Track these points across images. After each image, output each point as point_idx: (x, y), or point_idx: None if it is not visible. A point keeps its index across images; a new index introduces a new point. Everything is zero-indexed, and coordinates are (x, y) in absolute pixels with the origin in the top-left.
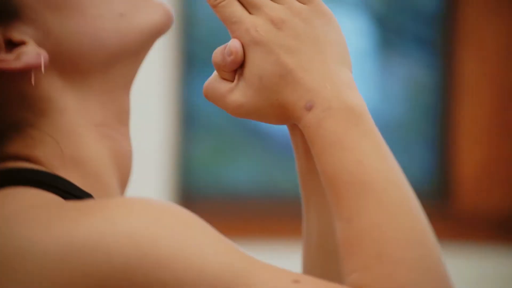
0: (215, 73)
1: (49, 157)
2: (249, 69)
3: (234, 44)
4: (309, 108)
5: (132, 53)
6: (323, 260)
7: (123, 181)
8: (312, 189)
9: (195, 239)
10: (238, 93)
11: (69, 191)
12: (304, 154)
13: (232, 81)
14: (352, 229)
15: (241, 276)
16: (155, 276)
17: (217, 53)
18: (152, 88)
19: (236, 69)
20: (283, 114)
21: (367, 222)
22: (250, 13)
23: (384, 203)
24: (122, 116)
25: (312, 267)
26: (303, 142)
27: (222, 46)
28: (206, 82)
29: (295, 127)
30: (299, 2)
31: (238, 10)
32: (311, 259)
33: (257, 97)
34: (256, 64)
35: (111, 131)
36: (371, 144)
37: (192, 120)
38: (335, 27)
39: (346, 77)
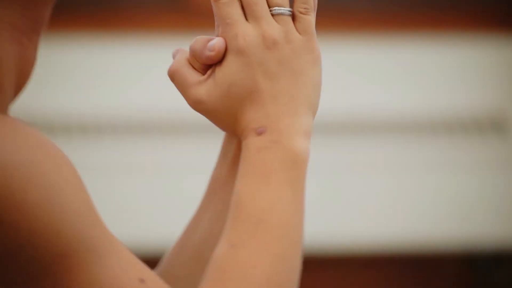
0: (185, 56)
1: None
2: (222, 72)
3: (219, 43)
4: (259, 133)
5: None
6: (194, 262)
7: (19, 88)
8: (219, 196)
9: (63, 193)
10: (203, 89)
11: None
12: (229, 164)
13: (202, 73)
14: (230, 255)
15: (92, 252)
16: (10, 217)
17: (198, 41)
18: None
19: (210, 66)
20: (234, 125)
21: (245, 257)
22: (247, 19)
23: (270, 252)
24: (38, 26)
25: (181, 263)
26: (235, 154)
27: (205, 37)
28: (175, 63)
29: (234, 136)
30: (297, 30)
31: (236, 13)
32: (184, 255)
33: (220, 101)
34: (231, 70)
35: (24, 37)
36: (292, 195)
37: None
38: (318, 68)
39: (306, 123)
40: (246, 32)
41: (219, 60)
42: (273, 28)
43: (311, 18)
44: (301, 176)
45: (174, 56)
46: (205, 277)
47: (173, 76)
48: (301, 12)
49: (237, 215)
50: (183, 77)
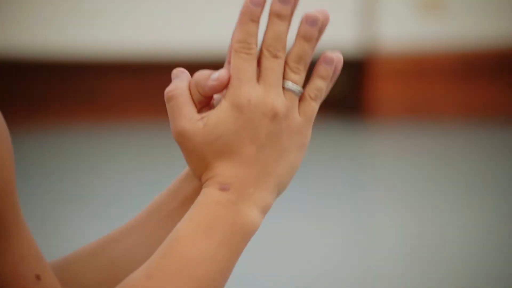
0: (186, 84)
1: None
2: (215, 121)
3: (223, 74)
4: (222, 189)
5: None
6: (104, 277)
7: None
8: (156, 225)
9: None
10: (192, 128)
11: None
12: (180, 201)
13: (198, 108)
14: (143, 285)
15: (4, 230)
16: None
17: (202, 72)
18: None
19: (207, 103)
20: (202, 170)
21: None
22: (258, 80)
23: None
24: None
25: (90, 272)
26: (190, 195)
27: (209, 70)
28: (175, 90)
29: (196, 178)
30: (299, 111)
31: (251, 71)
32: (94, 266)
33: (201, 146)
34: (224, 121)
35: None
36: (226, 258)
37: None
38: (302, 153)
39: (268, 200)
40: (252, 95)
41: (221, 91)
42: (279, 101)
43: (316, 105)
44: (242, 245)
45: (174, 77)
46: None
47: (170, 100)
48: (310, 97)
49: (167, 252)
50: (179, 106)
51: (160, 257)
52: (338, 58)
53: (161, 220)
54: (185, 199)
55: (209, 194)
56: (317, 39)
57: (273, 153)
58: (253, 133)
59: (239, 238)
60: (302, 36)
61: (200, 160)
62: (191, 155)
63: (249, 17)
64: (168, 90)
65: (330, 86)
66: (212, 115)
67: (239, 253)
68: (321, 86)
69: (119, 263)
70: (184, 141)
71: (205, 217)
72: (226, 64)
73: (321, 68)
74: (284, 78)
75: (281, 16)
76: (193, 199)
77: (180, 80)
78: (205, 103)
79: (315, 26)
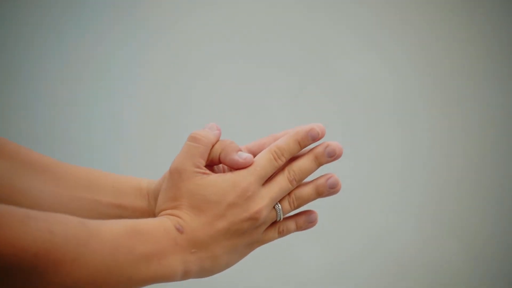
0: (212, 141)
1: None
2: (212, 182)
3: (250, 161)
4: (177, 228)
5: None
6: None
7: None
8: (92, 198)
9: None
10: (192, 171)
11: None
12: (124, 205)
13: (205, 162)
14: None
15: None
16: None
17: (232, 144)
18: None
19: (214, 164)
20: (168, 206)
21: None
22: (265, 183)
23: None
24: None
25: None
26: (147, 209)
27: (238, 147)
28: (204, 139)
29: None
30: (268, 228)
31: (268, 173)
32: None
33: (187, 189)
34: (219, 188)
35: None
36: (131, 271)
37: None
38: (235, 261)
39: (192, 272)
40: (253, 190)
41: (236, 169)
42: (266, 212)
43: (277, 238)
44: (147, 278)
45: (209, 127)
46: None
47: (192, 141)
48: (278, 230)
49: (92, 231)
50: (195, 151)
51: (78, 226)
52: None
53: (92, 200)
54: (124, 206)
55: (164, 222)
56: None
57: (228, 244)
58: (231, 216)
59: (151, 270)
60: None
61: (174, 200)
62: (171, 190)
63: (300, 140)
64: (197, 133)
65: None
66: (213, 177)
67: (136, 286)
68: (288, 231)
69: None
70: (176, 177)
71: (148, 230)
72: (251, 146)
73: (299, 224)
74: (280, 200)
75: (320, 163)
76: (129, 211)
77: (212, 134)
78: (213, 163)
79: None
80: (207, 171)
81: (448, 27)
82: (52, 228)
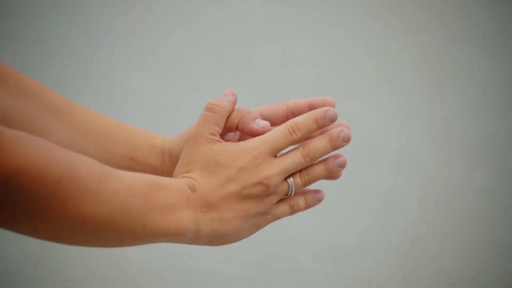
0: (229, 108)
1: None
2: (226, 148)
3: (267, 129)
4: (190, 186)
5: None
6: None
7: None
8: (111, 155)
9: None
10: (208, 138)
11: None
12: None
13: (220, 129)
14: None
15: None
16: None
17: (250, 113)
18: None
19: (229, 131)
20: (182, 172)
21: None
22: (277, 155)
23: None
24: None
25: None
26: (169, 164)
27: (256, 114)
28: (219, 108)
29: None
30: (278, 202)
31: (281, 146)
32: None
33: (201, 154)
34: (232, 153)
35: None
36: (140, 224)
37: None
38: (247, 233)
39: (202, 231)
40: (265, 158)
41: (253, 136)
42: (277, 181)
43: (288, 213)
44: (167, 231)
45: (224, 94)
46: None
47: (208, 110)
48: (290, 205)
49: (111, 173)
50: (211, 119)
51: (99, 170)
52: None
53: (106, 150)
54: (137, 161)
55: (178, 180)
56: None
57: (239, 208)
58: (242, 180)
59: (165, 221)
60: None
61: (188, 164)
62: (186, 156)
63: (318, 119)
64: (212, 102)
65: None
66: (226, 143)
67: (148, 237)
68: (298, 208)
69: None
70: (191, 143)
71: (164, 185)
72: (263, 110)
73: (307, 200)
74: (292, 174)
75: (335, 146)
76: (142, 165)
77: (227, 101)
78: (231, 131)
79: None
80: (221, 140)
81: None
82: (74, 161)
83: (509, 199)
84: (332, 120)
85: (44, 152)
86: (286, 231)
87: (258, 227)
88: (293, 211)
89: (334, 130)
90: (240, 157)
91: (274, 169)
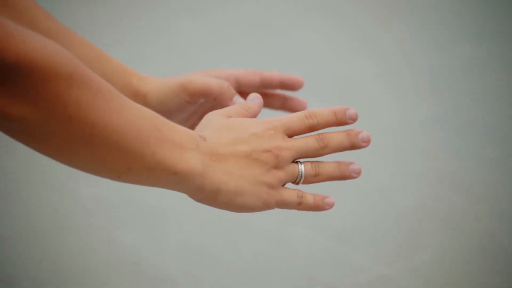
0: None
1: None
2: (241, 117)
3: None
4: (200, 135)
5: None
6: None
7: None
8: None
9: None
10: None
11: None
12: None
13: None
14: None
15: None
16: None
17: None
18: None
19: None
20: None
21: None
22: (292, 136)
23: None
24: None
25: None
26: (196, 117)
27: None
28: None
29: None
30: (285, 171)
31: (296, 130)
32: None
33: (217, 120)
34: (248, 121)
35: None
36: (148, 157)
37: None
38: (254, 205)
39: (209, 182)
40: (279, 130)
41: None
42: (288, 156)
43: (293, 205)
44: (176, 166)
45: (252, 99)
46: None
47: (243, 109)
48: (298, 194)
49: (119, 100)
50: (240, 115)
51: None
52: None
53: (124, 83)
54: (160, 102)
55: (187, 128)
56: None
57: (247, 168)
58: (253, 143)
59: (174, 156)
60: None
61: (199, 130)
62: (197, 127)
63: (337, 112)
64: (246, 104)
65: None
66: (238, 118)
67: (157, 169)
68: (306, 202)
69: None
70: (205, 118)
71: (174, 125)
72: (243, 75)
73: (317, 199)
74: (304, 162)
75: (352, 143)
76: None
77: (256, 105)
78: (205, 96)
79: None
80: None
81: None
82: (84, 65)
83: (451, 132)
84: (352, 118)
85: (53, 47)
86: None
87: (264, 201)
88: (300, 202)
89: (355, 128)
90: (254, 125)
91: (285, 143)
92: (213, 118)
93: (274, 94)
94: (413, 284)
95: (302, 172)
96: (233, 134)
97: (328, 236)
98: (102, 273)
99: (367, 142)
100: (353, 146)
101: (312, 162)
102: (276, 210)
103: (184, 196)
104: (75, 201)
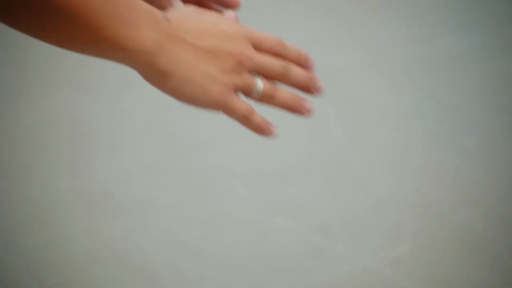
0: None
1: None
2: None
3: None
4: (166, 18)
5: None
6: None
7: None
8: None
9: None
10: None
11: None
12: None
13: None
14: None
15: None
16: None
17: None
18: None
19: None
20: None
21: None
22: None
23: None
24: None
25: None
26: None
27: None
28: None
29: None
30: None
31: (261, 41)
32: None
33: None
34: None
35: None
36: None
37: None
38: (198, 99)
39: (161, 68)
40: (249, 35)
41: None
42: (251, 64)
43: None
44: (118, 33)
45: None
46: None
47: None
48: (255, 94)
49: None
50: None
51: None
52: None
53: None
54: None
55: (154, 8)
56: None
57: (203, 67)
58: (221, 42)
59: (121, 36)
60: (305, 85)
61: (176, 11)
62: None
63: (302, 57)
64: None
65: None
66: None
67: (112, 29)
68: (251, 124)
69: None
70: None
71: (130, 2)
72: None
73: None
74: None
75: (307, 84)
76: None
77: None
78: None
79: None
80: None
81: None
82: None
83: (431, 123)
84: (311, 66)
85: None
86: (218, 158)
87: (213, 99)
88: (247, 117)
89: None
90: (227, 25)
91: (252, 53)
92: (187, 8)
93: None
94: (394, 275)
95: (258, 87)
96: (203, 25)
97: (309, 228)
98: (82, 265)
99: (319, 91)
100: (307, 88)
101: (270, 82)
102: (257, 202)
103: (165, 188)
104: (54, 193)
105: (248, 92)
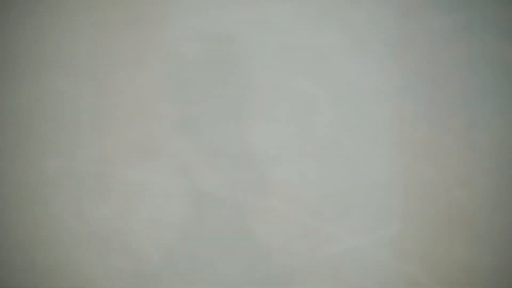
0: None
1: None
2: None
3: None
4: None
5: None
6: None
7: None
8: None
9: None
10: None
11: None
12: None
13: None
14: None
15: None
16: None
17: None
18: None
19: None
20: None
21: None
22: None
23: None
24: None
25: None
26: None
27: None
28: None
29: None
30: None
31: None
32: None
33: None
34: None
35: None
36: None
37: None
38: None
39: None
40: None
41: None
42: None
43: None
44: None
45: None
46: None
47: None
48: None
49: None
50: None
51: None
52: None
53: None
54: None
55: None
56: None
57: None
58: None
59: None
60: None
61: None
62: None
63: None
64: None
65: None
66: None
67: None
68: None
69: None
70: None
71: None
72: None
73: None
74: None
75: None
76: None
77: None
78: None
79: None
80: None
81: None
82: None
83: (419, 102)
84: None
85: None
86: (208, 138)
87: None
88: None
89: None
90: None
91: None
92: None
93: None
94: (384, 255)
95: None
96: None
97: (300, 208)
98: (71, 247)
99: None
100: None
101: None
102: (248, 182)
103: (154, 169)
104: (41, 173)
105: None
